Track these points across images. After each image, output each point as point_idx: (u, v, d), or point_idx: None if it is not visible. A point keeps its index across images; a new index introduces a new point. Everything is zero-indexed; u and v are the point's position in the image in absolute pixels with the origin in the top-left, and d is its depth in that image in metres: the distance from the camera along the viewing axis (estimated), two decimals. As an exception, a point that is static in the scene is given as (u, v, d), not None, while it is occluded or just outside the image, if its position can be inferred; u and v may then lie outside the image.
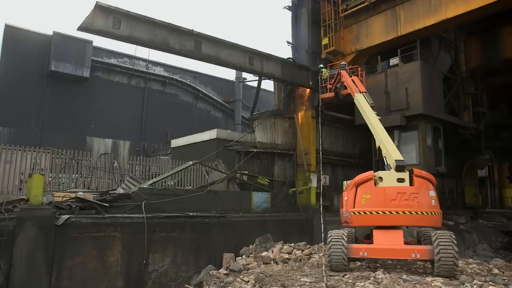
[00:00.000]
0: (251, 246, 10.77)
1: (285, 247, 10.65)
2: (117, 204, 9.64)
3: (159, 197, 10.33)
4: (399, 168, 8.00)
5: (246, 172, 14.81)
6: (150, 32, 10.86)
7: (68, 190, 11.51)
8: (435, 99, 14.67)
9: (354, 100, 11.17)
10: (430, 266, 7.76)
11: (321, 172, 14.14)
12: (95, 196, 9.88)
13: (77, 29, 10.00)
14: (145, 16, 10.78)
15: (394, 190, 7.71)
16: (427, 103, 13.81)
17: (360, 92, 11.10)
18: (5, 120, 22.07)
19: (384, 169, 8.57)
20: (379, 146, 9.21)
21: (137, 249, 8.98)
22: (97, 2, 9.83)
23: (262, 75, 15.02)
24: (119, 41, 10.97)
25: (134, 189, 10.88)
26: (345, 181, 9.71)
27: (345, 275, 7.39)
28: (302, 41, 15.59)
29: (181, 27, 11.49)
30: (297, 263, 9.30)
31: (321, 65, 14.42)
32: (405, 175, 7.88)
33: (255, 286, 7.27)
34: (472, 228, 15.88)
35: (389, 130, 11.82)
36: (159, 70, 29.42)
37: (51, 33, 24.00)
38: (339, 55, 15.14)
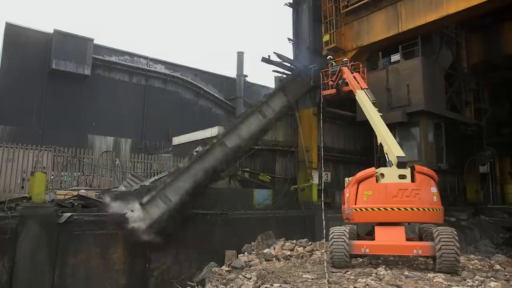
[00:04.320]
0: (253, 243, 10.80)
1: (287, 244, 10.66)
2: (119, 202, 9.65)
3: (161, 195, 10.31)
4: (401, 164, 8.01)
5: (247, 169, 14.79)
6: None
7: (70, 188, 11.56)
8: (436, 95, 14.65)
9: (356, 97, 11.13)
10: (432, 262, 7.77)
11: (323, 169, 14.13)
12: (97, 194, 9.91)
13: None
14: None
15: (396, 186, 7.72)
16: (429, 99, 13.80)
17: (362, 89, 11.07)
18: (6, 119, 22.04)
19: (385, 166, 8.58)
20: (380, 143, 9.21)
21: (140, 247, 9.01)
22: None
23: None
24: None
25: (136, 187, 10.91)
26: (346, 178, 9.71)
27: (347, 271, 7.41)
28: (303, 38, 15.54)
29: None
30: (299, 260, 9.32)
31: (330, 56, 14.22)
32: (407, 171, 7.89)
33: (257, 282, 7.29)
34: (474, 224, 15.91)
35: (391, 126, 11.78)
36: (160, 68, 29.35)
37: (51, 31, 23.96)
38: (340, 51, 15.07)
